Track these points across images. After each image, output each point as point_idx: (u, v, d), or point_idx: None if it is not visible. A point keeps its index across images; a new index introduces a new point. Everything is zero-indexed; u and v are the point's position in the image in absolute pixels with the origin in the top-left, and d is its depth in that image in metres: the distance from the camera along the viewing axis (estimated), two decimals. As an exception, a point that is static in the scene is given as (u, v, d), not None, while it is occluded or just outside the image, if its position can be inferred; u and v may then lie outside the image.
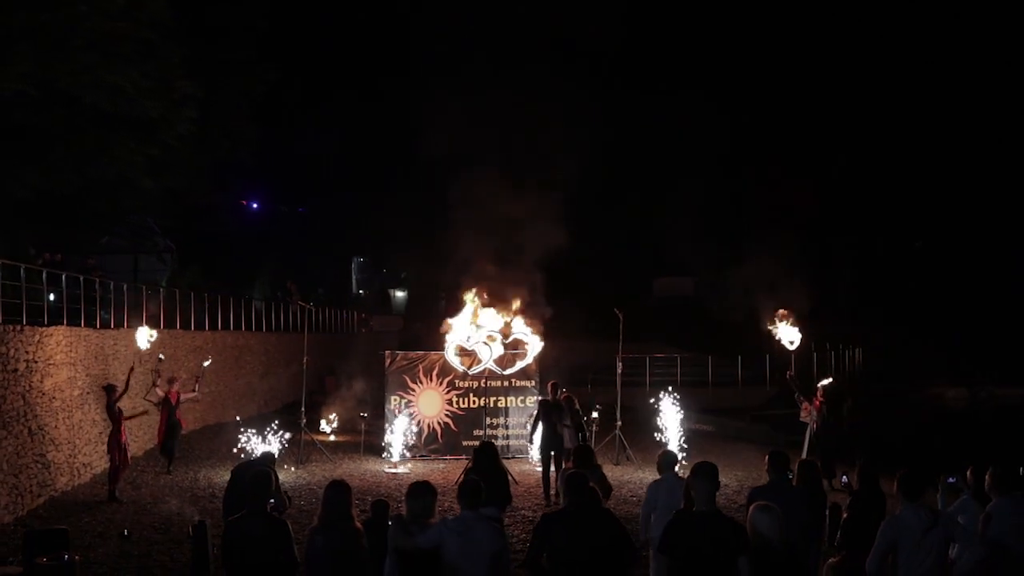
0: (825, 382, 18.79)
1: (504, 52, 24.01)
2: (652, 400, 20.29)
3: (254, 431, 18.52)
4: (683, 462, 18.78)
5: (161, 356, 19.91)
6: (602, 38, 28.95)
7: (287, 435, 19.03)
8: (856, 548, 9.11)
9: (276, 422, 18.88)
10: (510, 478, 11.83)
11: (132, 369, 18.13)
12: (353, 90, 43.46)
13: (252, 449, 17.69)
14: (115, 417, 16.44)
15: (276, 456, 12.72)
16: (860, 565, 8.22)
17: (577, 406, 17.31)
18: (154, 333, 19.40)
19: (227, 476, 16.51)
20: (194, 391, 19.95)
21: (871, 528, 9.16)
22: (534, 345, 21.04)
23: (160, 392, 18.80)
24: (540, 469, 17.18)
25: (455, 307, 21.72)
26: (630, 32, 34.48)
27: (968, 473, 8.98)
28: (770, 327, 19.33)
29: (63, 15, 18.40)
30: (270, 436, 18.24)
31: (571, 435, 16.62)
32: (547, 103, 24.73)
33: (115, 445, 16.32)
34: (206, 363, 20.86)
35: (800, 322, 19.28)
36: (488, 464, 10.62)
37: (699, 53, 44.26)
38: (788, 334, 19.18)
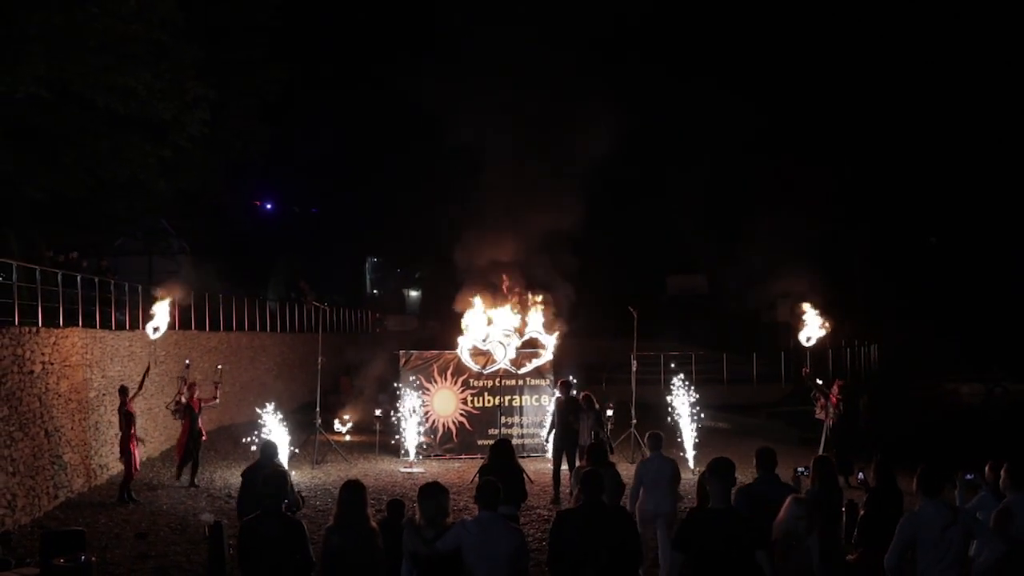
0: (810, 372, 18.88)
1: (512, 42, 23.97)
2: (668, 391, 20.29)
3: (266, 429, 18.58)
4: (693, 452, 18.99)
5: (188, 362, 19.79)
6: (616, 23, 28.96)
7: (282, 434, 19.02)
8: (873, 545, 9.08)
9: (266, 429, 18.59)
10: (525, 476, 11.80)
11: (148, 370, 17.96)
12: (365, 87, 43.41)
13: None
14: (126, 420, 16.36)
15: (277, 445, 12.44)
16: (877, 562, 8.19)
17: (597, 405, 17.21)
18: (161, 326, 18.74)
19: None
20: (215, 398, 19.37)
21: (888, 525, 9.12)
22: (549, 344, 21.04)
23: (183, 400, 18.07)
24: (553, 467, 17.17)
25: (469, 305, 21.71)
26: (640, 29, 34.36)
27: (986, 469, 8.91)
28: (801, 319, 19.35)
29: (75, 17, 18.44)
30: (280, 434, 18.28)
31: (587, 433, 16.54)
32: (560, 97, 24.72)
33: (125, 449, 16.30)
34: (220, 367, 20.64)
35: (821, 317, 19.29)
36: (503, 462, 10.60)
37: (713, 44, 44.11)
38: (811, 330, 19.18)
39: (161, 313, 18.56)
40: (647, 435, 12.11)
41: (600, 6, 26.65)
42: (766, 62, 44.96)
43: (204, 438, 18.52)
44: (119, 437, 16.60)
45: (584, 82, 25.11)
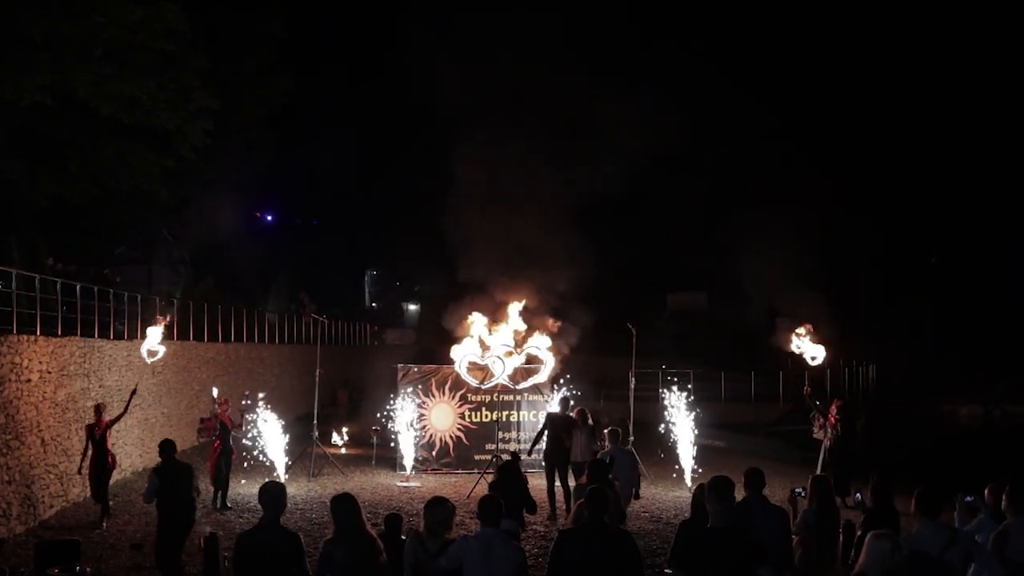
0: (811, 391, 18.99)
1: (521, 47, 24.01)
2: (664, 399, 20.33)
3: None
4: (692, 469, 18.98)
5: (215, 390, 18.98)
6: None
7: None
8: None
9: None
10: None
11: (135, 391, 16.91)
12: (367, 99, 43.56)
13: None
14: (94, 440, 15.08)
15: (174, 442, 12.36)
16: None
17: (591, 420, 17.10)
18: (159, 348, 17.91)
19: (241, 488, 16.54)
20: (240, 425, 18.19)
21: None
22: (548, 360, 21.01)
23: (214, 421, 17.06)
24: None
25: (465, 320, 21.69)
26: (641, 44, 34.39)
27: (986, 492, 8.89)
28: (792, 344, 19.29)
29: (81, 26, 18.51)
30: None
31: (584, 449, 16.42)
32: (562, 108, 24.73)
33: (92, 470, 15.14)
34: (247, 392, 19.98)
35: (821, 338, 19.27)
36: (511, 478, 10.76)
37: (716, 63, 44.20)
38: (812, 350, 19.13)
39: (155, 336, 17.72)
40: (607, 430, 14.19)
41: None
42: (768, 83, 45.09)
43: (234, 455, 17.43)
44: (90, 457, 15.16)
45: (594, 85, 25.15)
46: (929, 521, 7.56)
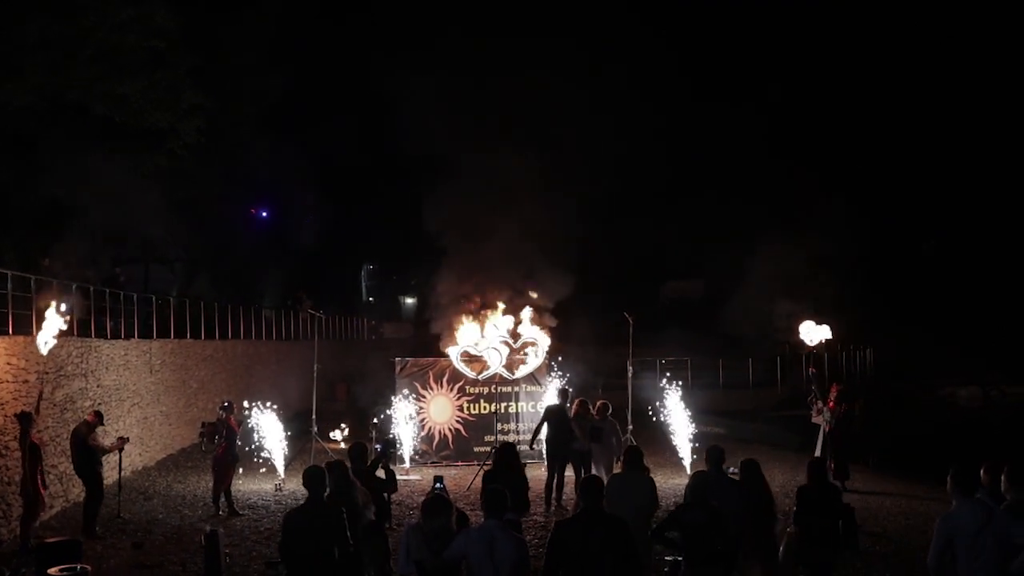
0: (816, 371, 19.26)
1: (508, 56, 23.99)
2: (659, 394, 20.33)
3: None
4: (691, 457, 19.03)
5: (226, 402, 18.36)
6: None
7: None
8: None
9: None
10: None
11: (41, 395, 14.95)
12: (362, 95, 43.40)
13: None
14: (32, 451, 13.51)
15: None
16: None
17: (593, 411, 16.98)
18: (49, 339, 15.01)
19: (239, 486, 16.53)
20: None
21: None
22: (543, 350, 21.03)
23: (212, 427, 16.34)
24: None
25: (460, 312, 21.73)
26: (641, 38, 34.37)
27: (982, 472, 8.89)
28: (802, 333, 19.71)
29: (72, 28, 18.48)
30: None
31: (585, 439, 16.40)
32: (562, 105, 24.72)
33: (31, 483, 13.39)
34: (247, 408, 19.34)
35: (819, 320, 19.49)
36: (509, 466, 10.74)
37: (710, 55, 44.19)
38: (814, 333, 19.42)
39: (51, 322, 14.89)
40: (600, 402, 15.64)
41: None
42: (763, 67, 45.10)
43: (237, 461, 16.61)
44: (23, 474, 13.57)
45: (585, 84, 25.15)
46: (966, 499, 7.49)
